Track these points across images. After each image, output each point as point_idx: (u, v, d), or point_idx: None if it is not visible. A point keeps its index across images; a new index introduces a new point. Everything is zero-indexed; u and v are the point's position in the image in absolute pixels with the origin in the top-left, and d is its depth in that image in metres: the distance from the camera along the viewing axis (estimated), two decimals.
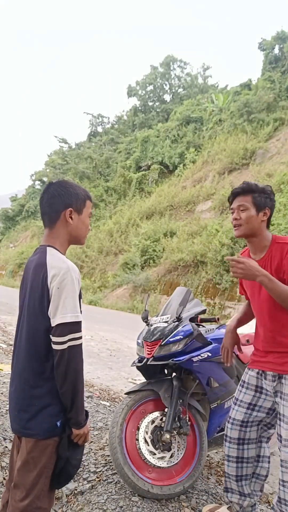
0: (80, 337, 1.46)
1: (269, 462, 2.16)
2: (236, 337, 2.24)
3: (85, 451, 2.69)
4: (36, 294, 1.47)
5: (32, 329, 1.48)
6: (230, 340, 2.23)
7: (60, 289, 1.42)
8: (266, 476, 2.16)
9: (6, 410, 3.21)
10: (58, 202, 1.56)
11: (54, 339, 1.43)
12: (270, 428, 2.13)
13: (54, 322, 1.43)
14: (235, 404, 2.12)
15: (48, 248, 1.53)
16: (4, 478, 2.33)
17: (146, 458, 2.32)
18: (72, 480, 2.37)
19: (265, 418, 2.08)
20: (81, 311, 1.53)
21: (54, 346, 1.43)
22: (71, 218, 1.56)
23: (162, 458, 2.35)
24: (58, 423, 1.48)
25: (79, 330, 1.46)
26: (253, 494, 2.13)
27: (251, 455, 2.11)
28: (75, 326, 1.44)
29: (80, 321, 1.46)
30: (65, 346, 1.42)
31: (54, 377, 1.46)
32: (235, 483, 2.12)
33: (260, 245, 2.01)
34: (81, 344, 1.46)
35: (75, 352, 1.43)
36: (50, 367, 1.46)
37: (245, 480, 2.12)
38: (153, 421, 2.40)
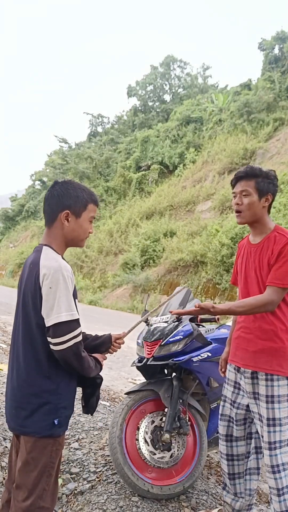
0: (80, 333, 1.47)
1: (257, 453, 2.14)
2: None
3: (85, 451, 2.69)
4: (29, 292, 1.48)
5: (28, 327, 1.49)
6: (225, 355, 2.24)
7: (52, 289, 1.41)
8: (258, 468, 2.14)
9: None
10: (56, 202, 1.55)
11: (52, 340, 1.42)
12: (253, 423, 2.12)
13: (48, 322, 1.42)
14: (222, 400, 2.14)
15: (44, 247, 1.53)
16: (4, 478, 2.33)
17: (146, 458, 2.32)
18: (72, 480, 2.37)
19: (247, 414, 2.07)
20: (77, 311, 1.54)
21: (53, 347, 1.42)
22: (67, 220, 1.55)
23: (162, 458, 2.34)
24: (56, 421, 1.47)
25: (78, 327, 1.46)
26: (245, 494, 2.11)
27: (240, 453, 2.10)
28: (73, 324, 1.43)
29: (77, 319, 1.46)
30: (68, 344, 1.42)
31: (52, 375, 1.47)
32: (228, 481, 2.12)
33: (261, 230, 2.00)
34: (81, 339, 1.48)
35: (79, 347, 1.45)
36: (47, 364, 1.46)
37: (238, 479, 2.11)
38: (153, 421, 2.40)
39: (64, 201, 1.55)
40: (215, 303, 1.93)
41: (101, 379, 1.65)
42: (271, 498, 1.91)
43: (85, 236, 1.63)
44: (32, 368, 1.47)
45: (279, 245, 1.89)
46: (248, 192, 1.95)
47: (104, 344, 1.72)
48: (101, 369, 1.62)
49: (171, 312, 1.93)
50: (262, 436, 1.92)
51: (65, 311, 1.42)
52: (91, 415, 1.78)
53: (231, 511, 2.12)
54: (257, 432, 2.08)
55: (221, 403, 2.15)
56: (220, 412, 2.15)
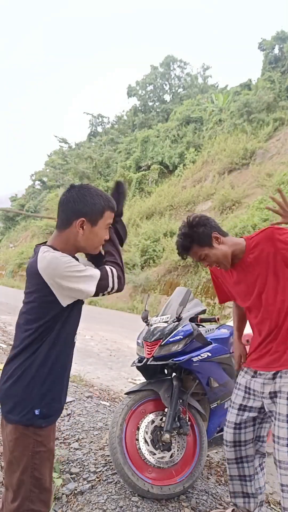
0: (112, 274, 1.52)
1: (261, 457, 2.15)
2: (243, 347, 2.27)
3: (85, 451, 2.69)
4: (33, 293, 1.47)
5: (24, 318, 1.50)
6: (238, 351, 2.26)
7: (59, 277, 1.41)
8: (262, 468, 2.15)
9: None
10: (72, 209, 1.49)
11: (106, 292, 1.53)
12: (264, 423, 2.11)
13: (84, 296, 1.48)
14: (230, 406, 2.13)
15: (42, 247, 1.50)
16: (4, 478, 2.33)
17: (146, 458, 2.32)
18: (72, 480, 2.37)
19: (258, 416, 2.07)
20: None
21: (112, 292, 1.54)
22: (82, 228, 1.49)
23: (162, 458, 2.34)
24: (37, 411, 1.46)
25: (107, 280, 1.50)
26: (257, 493, 2.11)
27: (250, 454, 2.10)
28: (101, 279, 1.48)
29: (95, 276, 1.48)
30: (114, 284, 1.52)
31: (29, 371, 1.46)
32: (239, 483, 2.10)
33: (237, 255, 1.97)
34: (112, 271, 1.53)
35: (121, 279, 1.55)
36: (29, 357, 1.46)
37: (249, 481, 2.10)
38: (153, 421, 2.40)
39: (80, 208, 1.49)
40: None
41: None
42: (282, 496, 1.89)
43: (99, 244, 1.59)
44: (14, 361, 1.48)
45: (266, 242, 1.88)
46: (202, 255, 1.95)
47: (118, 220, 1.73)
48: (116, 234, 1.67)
49: None
50: (278, 434, 1.87)
51: (88, 283, 1.45)
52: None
53: None
54: (262, 436, 2.10)
55: (229, 409, 2.13)
56: (226, 418, 2.13)
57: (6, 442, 1.49)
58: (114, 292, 1.56)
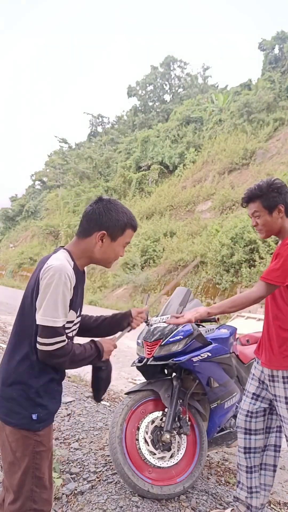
0: (64, 340, 1.43)
1: (275, 451, 2.15)
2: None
3: (85, 451, 2.69)
4: (30, 287, 1.48)
5: (21, 321, 1.48)
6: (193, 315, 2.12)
7: (46, 287, 1.38)
8: (275, 466, 2.15)
9: None
10: (96, 221, 1.52)
11: (39, 339, 1.40)
12: (273, 414, 2.14)
13: (37, 320, 1.40)
14: (244, 395, 2.18)
15: (61, 249, 1.52)
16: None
17: (146, 458, 2.32)
18: (72, 480, 2.37)
19: (269, 407, 2.11)
20: (80, 311, 1.53)
21: (39, 346, 1.40)
22: (101, 240, 1.52)
23: (162, 458, 2.35)
24: (34, 416, 1.45)
25: (63, 334, 1.42)
26: (260, 488, 2.13)
27: (258, 445, 2.13)
28: (58, 330, 1.40)
29: (59, 327, 1.40)
30: (52, 347, 1.40)
31: (27, 373, 1.45)
32: (245, 475, 2.13)
33: (283, 236, 2.04)
34: (67, 344, 1.44)
35: (65, 351, 1.43)
36: (35, 360, 1.45)
37: (255, 472, 2.13)
38: (153, 421, 2.40)
39: (103, 222, 1.52)
40: (215, 303, 1.97)
41: (105, 367, 1.67)
42: None
43: (114, 260, 1.60)
44: (11, 364, 1.47)
45: (282, 245, 1.95)
46: (257, 213, 2.03)
47: (125, 318, 1.76)
48: (99, 353, 1.58)
49: (166, 322, 1.93)
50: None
51: (50, 315, 1.38)
52: (96, 402, 1.78)
53: (246, 509, 2.13)
54: (277, 427, 2.13)
55: (243, 397, 2.18)
56: (240, 406, 2.19)
57: (7, 443, 1.48)
58: (43, 358, 1.42)
